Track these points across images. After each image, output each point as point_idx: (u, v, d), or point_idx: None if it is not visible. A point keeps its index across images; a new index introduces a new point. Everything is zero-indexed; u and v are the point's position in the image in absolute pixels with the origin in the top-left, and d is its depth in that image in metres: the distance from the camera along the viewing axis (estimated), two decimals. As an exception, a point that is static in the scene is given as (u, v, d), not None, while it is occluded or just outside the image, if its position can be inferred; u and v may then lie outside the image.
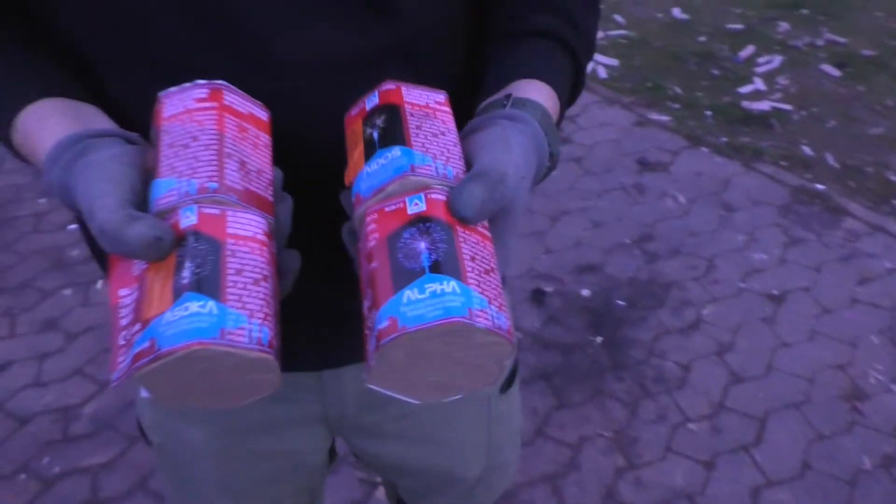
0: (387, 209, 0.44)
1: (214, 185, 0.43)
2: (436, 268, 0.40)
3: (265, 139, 0.49)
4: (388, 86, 0.50)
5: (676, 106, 3.16)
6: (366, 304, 0.42)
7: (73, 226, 2.53)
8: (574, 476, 1.72)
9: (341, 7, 0.53)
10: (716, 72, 3.38)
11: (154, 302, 0.39)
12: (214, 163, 0.44)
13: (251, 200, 0.45)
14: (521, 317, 2.15)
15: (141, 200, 0.44)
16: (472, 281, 0.40)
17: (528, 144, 0.49)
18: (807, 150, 2.85)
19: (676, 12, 3.98)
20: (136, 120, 0.52)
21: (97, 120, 0.52)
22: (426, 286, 0.39)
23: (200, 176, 0.44)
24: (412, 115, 0.48)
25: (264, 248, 0.43)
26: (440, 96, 0.51)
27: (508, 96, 0.54)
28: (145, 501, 1.68)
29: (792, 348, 2.04)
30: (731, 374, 1.97)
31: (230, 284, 0.40)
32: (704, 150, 2.85)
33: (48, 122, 0.50)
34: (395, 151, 0.46)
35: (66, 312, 2.18)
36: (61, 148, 0.46)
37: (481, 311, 0.39)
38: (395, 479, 0.87)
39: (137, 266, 0.43)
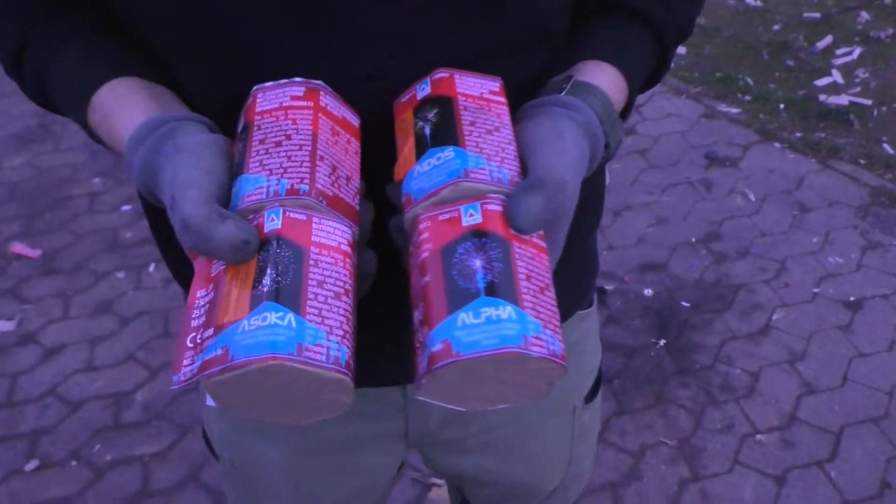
0: (440, 217, 0.43)
1: (305, 187, 0.42)
2: (491, 290, 0.39)
3: (356, 146, 0.47)
4: (441, 73, 0.48)
5: (747, 98, 3.01)
6: (416, 315, 0.41)
7: (128, 206, 2.53)
8: (635, 486, 1.63)
9: (454, 5, 0.48)
10: (790, 63, 3.21)
11: (231, 307, 0.38)
12: (307, 164, 0.43)
13: (339, 207, 0.43)
14: (580, 316, 2.06)
15: (225, 195, 0.42)
16: (527, 304, 0.39)
17: (581, 135, 0.46)
18: (887, 148, 2.69)
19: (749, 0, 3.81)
20: (207, 114, 0.49)
21: (176, 104, 0.50)
22: (482, 310, 0.38)
23: (291, 176, 0.42)
24: (465, 108, 0.46)
25: (347, 259, 0.42)
26: (495, 84, 0.49)
27: (569, 78, 0.50)
28: (197, 494, 1.65)
29: (869, 359, 1.92)
30: (803, 384, 1.85)
31: (311, 297, 0.39)
32: (777, 145, 2.71)
33: (128, 101, 0.48)
34: (448, 152, 0.44)
35: (119, 295, 2.18)
36: (148, 128, 0.44)
37: (536, 338, 0.38)
38: (469, 488, 0.84)
39: (216, 266, 0.41)
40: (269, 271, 0.39)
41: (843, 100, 2.94)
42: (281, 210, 0.41)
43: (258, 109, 0.46)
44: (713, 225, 2.37)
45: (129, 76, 0.49)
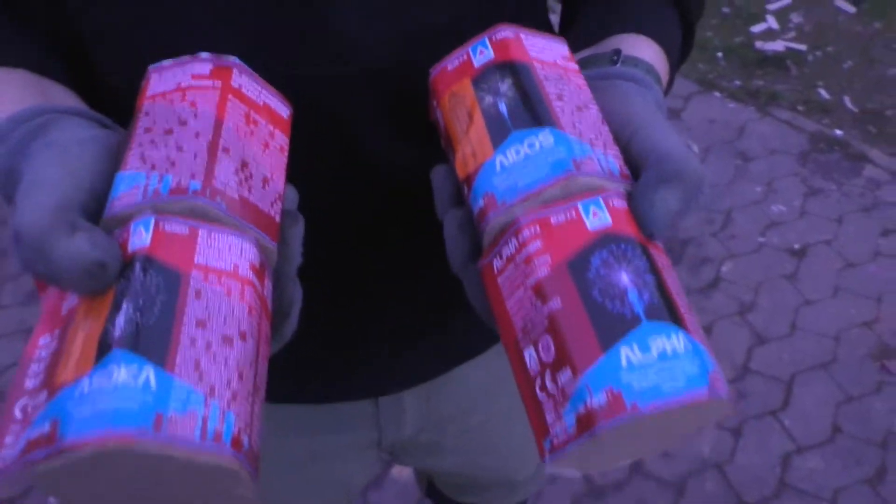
0: (553, 220, 0.32)
1: (196, 184, 0.32)
2: (653, 312, 0.30)
3: (281, 140, 0.38)
4: (505, 33, 0.37)
5: (686, 47, 3.01)
6: (531, 354, 0.31)
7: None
8: (596, 448, 1.65)
9: None
10: (726, 10, 3.22)
11: (73, 359, 0.27)
12: (203, 155, 0.33)
13: (248, 214, 0.33)
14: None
15: (98, 205, 0.33)
16: (691, 327, 0.30)
17: (662, 115, 0.39)
18: (824, 93, 2.72)
19: (681, -54, 3.79)
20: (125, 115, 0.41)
21: (65, 97, 0.41)
22: (650, 342, 0.29)
23: (180, 170, 0.32)
24: (547, 78, 0.36)
25: (248, 287, 0.31)
26: (563, 47, 0.39)
27: (618, 52, 0.43)
28: None
29: (815, 306, 1.96)
30: (754, 334, 1.88)
31: (184, 343, 0.28)
32: (717, 94, 2.72)
33: (4, 92, 0.39)
34: (546, 137, 0.34)
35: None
36: (13, 122, 0.35)
37: (715, 373, 0.29)
38: (440, 478, 0.84)
39: (69, 300, 0.30)
40: (125, 306, 0.28)
41: (779, 45, 2.96)
42: (152, 220, 0.30)
43: (150, 93, 0.36)
44: (659, 179, 2.37)
45: (10, 66, 0.41)
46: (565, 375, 0.29)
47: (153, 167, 0.32)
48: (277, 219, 0.35)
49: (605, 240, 0.31)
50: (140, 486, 0.28)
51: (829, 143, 2.49)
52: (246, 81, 0.37)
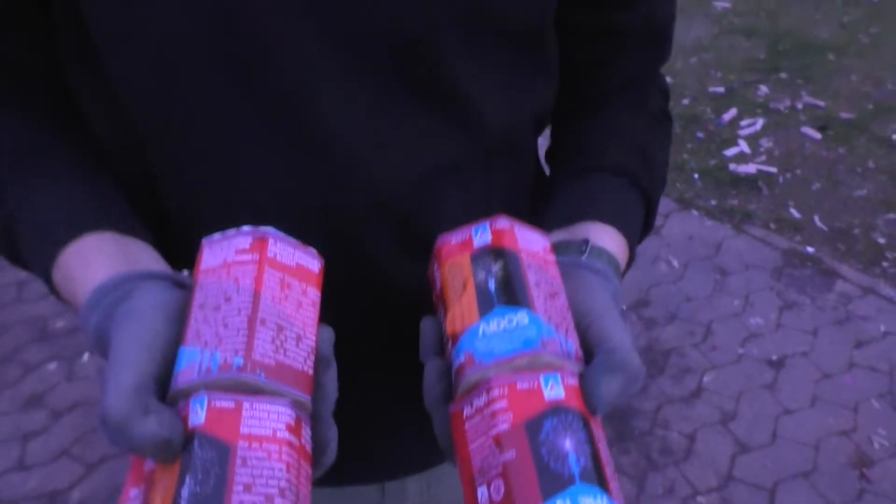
0: (519, 386, 0.39)
1: (240, 360, 0.38)
2: (586, 475, 0.36)
3: (313, 296, 0.44)
4: (502, 224, 0.46)
5: (664, 169, 3.19)
6: (484, 491, 0.38)
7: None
8: (585, 556, 1.66)
9: (435, 118, 0.51)
10: (700, 135, 3.43)
11: None
12: (244, 332, 0.39)
13: (284, 376, 0.39)
14: (521, 386, 2.11)
15: (171, 369, 0.39)
16: (615, 494, 0.37)
17: (615, 307, 0.46)
18: (794, 212, 2.88)
19: (657, 76, 4.06)
20: (193, 229, 0.49)
21: (147, 258, 0.47)
22: (580, 499, 0.35)
23: (226, 347, 0.38)
24: (529, 266, 0.44)
25: (285, 447, 0.37)
26: (546, 241, 0.47)
27: (586, 241, 0.51)
28: None
29: (795, 415, 2.02)
30: (736, 443, 1.94)
31: None
32: (695, 212, 2.87)
33: (92, 261, 0.45)
34: (522, 317, 0.41)
35: (50, 388, 2.11)
36: (102, 292, 0.42)
37: None
38: None
39: (148, 464, 0.37)
40: (188, 479, 0.34)
41: (751, 168, 3.14)
42: (206, 399, 0.37)
43: (203, 267, 0.42)
44: (641, 292, 2.48)
45: (99, 230, 0.47)
46: None
47: (206, 344, 0.38)
48: (311, 372, 0.41)
49: (557, 410, 0.38)
50: None
51: (801, 259, 2.62)
52: (280, 248, 0.43)
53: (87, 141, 0.53)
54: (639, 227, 0.59)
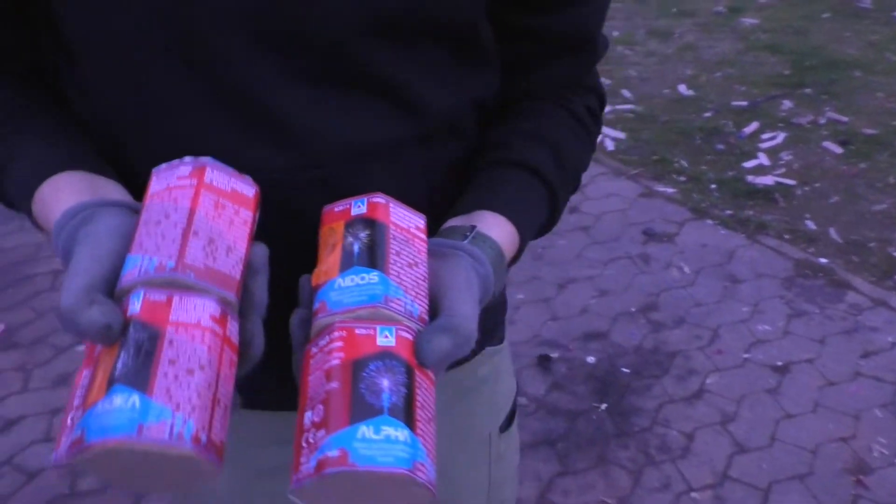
0: (357, 331, 0.46)
1: (172, 262, 0.44)
2: (394, 411, 0.42)
3: (245, 215, 0.50)
4: (378, 199, 0.53)
5: (682, 179, 3.23)
6: (309, 415, 0.44)
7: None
8: (577, 543, 1.71)
9: (365, 102, 0.57)
10: (721, 147, 3.46)
11: (94, 389, 0.40)
12: (178, 241, 0.45)
13: (212, 278, 0.45)
14: (526, 382, 2.17)
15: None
16: (420, 431, 0.43)
17: (479, 285, 0.53)
18: (810, 224, 2.90)
19: (682, 89, 4.10)
20: None
21: (112, 190, 0.54)
22: (382, 428, 0.42)
23: (162, 254, 0.45)
24: (395, 238, 0.51)
25: (208, 333, 0.43)
26: (420, 220, 0.54)
27: (472, 228, 0.57)
28: (149, 558, 1.68)
29: (796, 420, 2.05)
30: (734, 443, 1.97)
31: (160, 376, 0.40)
32: (709, 222, 2.91)
33: (63, 192, 0.52)
34: (373, 276, 0.48)
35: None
36: (68, 216, 0.49)
37: (422, 464, 0.42)
38: None
39: (98, 347, 0.43)
40: (123, 354, 0.41)
41: (769, 180, 3.17)
42: (142, 293, 0.43)
43: (150, 192, 0.49)
44: (651, 296, 2.52)
45: (73, 170, 0.54)
46: (321, 433, 0.42)
47: (146, 251, 0.45)
48: (238, 277, 0.47)
49: (384, 355, 0.45)
50: (138, 472, 0.41)
51: (813, 270, 2.64)
52: (217, 175, 0.50)
53: (64, 110, 0.61)
54: (537, 220, 0.65)
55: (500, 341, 0.83)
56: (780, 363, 2.24)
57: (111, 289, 0.45)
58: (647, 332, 2.36)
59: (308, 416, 0.44)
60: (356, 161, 0.59)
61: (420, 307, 0.49)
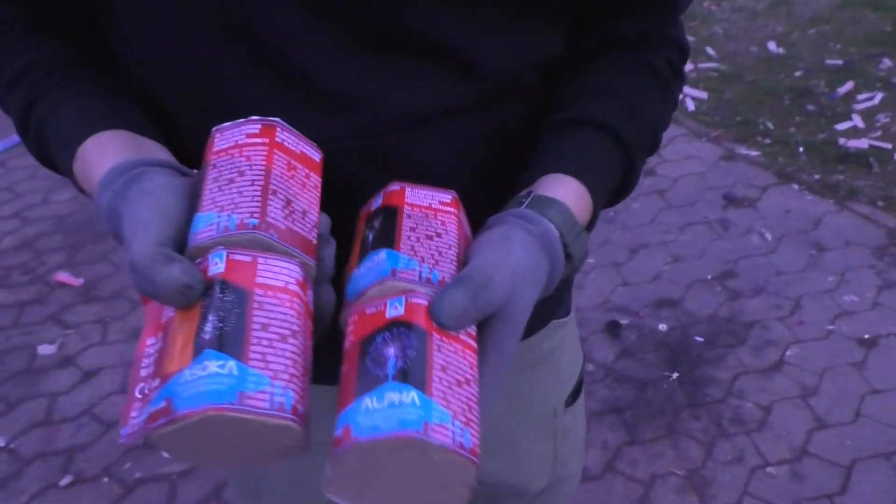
0: (367, 311, 0.44)
1: (254, 220, 0.42)
2: (400, 376, 0.39)
3: (315, 180, 0.48)
4: (393, 187, 0.50)
5: (767, 141, 3.07)
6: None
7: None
8: (642, 514, 1.67)
9: (423, 68, 0.53)
10: (811, 108, 3.27)
11: (175, 356, 0.38)
12: (258, 198, 0.43)
13: (293, 240, 0.43)
14: (594, 349, 2.11)
15: (182, 237, 0.43)
16: (436, 392, 0.39)
17: (535, 245, 0.48)
18: (907, 190, 2.72)
19: (772, 46, 3.88)
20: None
21: (157, 151, 0.52)
22: (386, 395, 0.39)
23: (242, 211, 0.42)
24: (409, 216, 0.48)
25: (296, 299, 0.41)
26: (446, 196, 0.50)
27: (529, 193, 0.53)
28: (216, 508, 1.73)
29: (882, 395, 1.93)
30: (815, 418, 1.87)
31: (254, 342, 0.38)
32: (795, 186, 2.76)
33: (107, 150, 0.50)
34: (381, 255, 0.46)
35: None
36: (115, 172, 0.46)
37: (440, 425, 0.38)
38: None
39: (166, 312, 0.41)
40: (210, 318, 0.38)
41: (863, 143, 2.98)
42: (224, 253, 0.40)
43: (215, 149, 0.46)
44: (729, 263, 2.41)
45: (116, 129, 0.52)
46: (337, 417, 0.40)
47: (223, 208, 0.42)
48: (315, 241, 0.45)
49: (392, 325, 0.42)
50: (226, 445, 0.38)
51: (909, 239, 2.47)
52: (287, 136, 0.47)
53: (109, 68, 0.59)
54: (610, 180, 0.59)
55: (567, 313, 0.79)
56: (867, 336, 2.11)
57: (180, 248, 0.42)
58: (723, 301, 2.26)
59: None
60: (413, 129, 0.55)
61: (442, 273, 0.45)
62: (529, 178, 0.56)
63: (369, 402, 0.39)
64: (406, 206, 0.49)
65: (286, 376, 0.38)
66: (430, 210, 0.49)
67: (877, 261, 2.39)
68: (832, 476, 1.73)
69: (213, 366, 0.36)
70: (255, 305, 0.39)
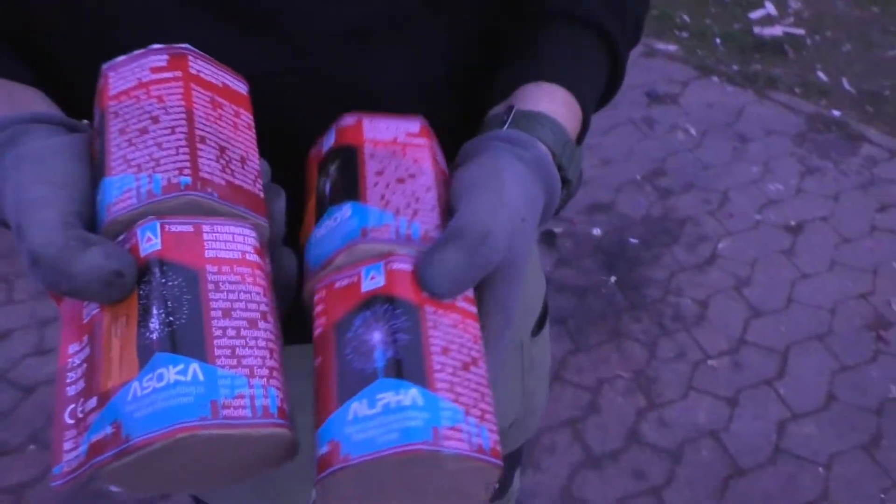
0: (336, 285, 0.34)
1: (186, 179, 0.33)
2: (392, 369, 0.31)
3: (246, 118, 0.38)
4: (347, 120, 0.40)
5: (684, 35, 3.04)
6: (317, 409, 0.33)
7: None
8: (595, 419, 1.67)
9: None
10: (724, -2, 3.24)
11: (114, 365, 0.29)
12: (184, 149, 0.33)
13: (237, 198, 0.34)
14: (531, 260, 2.09)
15: (90, 211, 0.33)
16: (441, 385, 0.31)
17: (529, 175, 0.39)
18: (822, 76, 2.74)
19: (680, -62, 3.82)
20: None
21: (32, 102, 0.41)
22: (378, 397, 0.30)
23: (166, 168, 0.33)
24: (372, 156, 0.38)
25: (257, 271, 0.33)
26: (414, 124, 0.41)
27: (510, 109, 0.44)
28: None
29: (812, 279, 1.98)
30: (750, 308, 1.91)
31: (217, 334, 0.30)
32: (715, 79, 2.75)
33: None
34: (346, 210, 0.36)
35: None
36: None
37: (452, 428, 0.30)
38: None
39: (88, 308, 0.32)
40: (154, 310, 0.30)
41: (778, 30, 2.98)
42: (158, 224, 0.32)
43: (112, 92, 0.36)
44: (657, 162, 2.40)
45: None
46: (319, 429, 0.32)
47: (140, 168, 0.33)
48: (262, 195, 0.36)
49: (371, 301, 0.33)
50: (196, 467, 0.30)
51: (826, 124, 2.51)
52: (203, 67, 0.37)
53: None
54: (598, 81, 0.51)
55: None
56: (793, 223, 2.15)
57: (89, 228, 0.33)
58: (655, 200, 2.26)
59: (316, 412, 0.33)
60: (352, 44, 0.45)
61: (424, 225, 0.36)
62: (503, 88, 0.47)
63: (358, 407, 0.30)
64: (367, 144, 0.39)
65: (264, 371, 0.30)
66: (396, 145, 0.39)
67: (797, 148, 2.42)
68: (770, 362, 1.78)
69: (170, 373, 0.28)
70: (210, 287, 0.31)
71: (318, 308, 0.35)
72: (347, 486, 0.30)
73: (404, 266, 0.34)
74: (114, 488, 0.29)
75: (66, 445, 0.29)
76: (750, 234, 2.12)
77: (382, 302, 0.33)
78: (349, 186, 0.37)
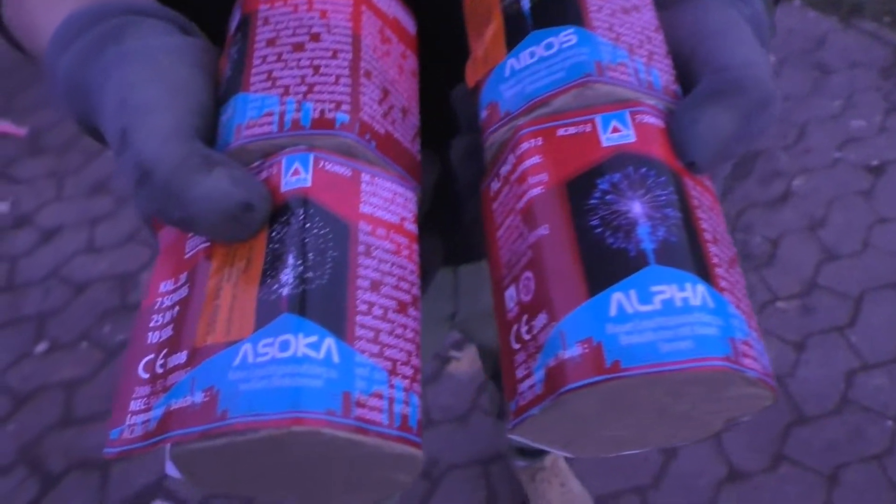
0: (560, 133, 0.26)
1: (344, 116, 0.26)
2: (666, 254, 0.23)
3: (412, 62, 0.31)
4: None
5: (765, -47, 2.84)
6: (511, 293, 0.25)
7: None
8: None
9: None
10: (810, -86, 3.01)
11: (221, 317, 0.23)
12: (346, 80, 0.27)
13: (395, 154, 0.27)
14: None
15: (209, 129, 0.27)
16: (724, 284, 0.23)
17: (749, 29, 0.31)
18: (913, 4, 2.55)
19: None
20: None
21: None
22: (653, 289, 0.22)
23: (321, 97, 0.26)
24: None
25: (414, 245, 0.26)
26: None
27: None
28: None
29: (891, 224, 1.88)
30: (823, 250, 1.82)
31: (362, 308, 0.23)
32: (797, 3, 2.57)
33: None
34: (569, 37, 0.27)
35: (112, 174, 2.09)
36: (78, 25, 0.28)
37: (745, 343, 0.22)
38: None
39: (193, 242, 0.26)
40: (291, 259, 0.23)
41: (867, -47, 2.77)
42: (311, 157, 0.25)
43: None
44: (730, 89, 2.27)
45: None
46: (541, 321, 0.23)
47: (286, 90, 0.26)
48: (418, 158, 0.29)
49: (622, 159, 0.25)
50: (288, 472, 0.23)
51: (915, 58, 2.34)
52: None
53: None
54: None
55: None
56: (875, 163, 2.03)
57: (210, 146, 0.26)
58: (727, 130, 2.14)
59: (511, 296, 0.25)
60: None
61: (664, 73, 0.27)
62: None
63: (624, 300, 0.22)
64: None
65: (408, 370, 0.24)
66: None
67: (883, 81, 2.27)
68: (843, 308, 1.70)
69: (298, 343, 0.22)
70: (361, 248, 0.24)
71: (531, 160, 0.26)
72: (597, 399, 0.22)
73: (655, 121, 0.26)
74: (173, 471, 0.22)
75: (134, 405, 0.23)
76: (827, 172, 2.01)
77: (637, 163, 0.24)
78: (568, 7, 0.28)
